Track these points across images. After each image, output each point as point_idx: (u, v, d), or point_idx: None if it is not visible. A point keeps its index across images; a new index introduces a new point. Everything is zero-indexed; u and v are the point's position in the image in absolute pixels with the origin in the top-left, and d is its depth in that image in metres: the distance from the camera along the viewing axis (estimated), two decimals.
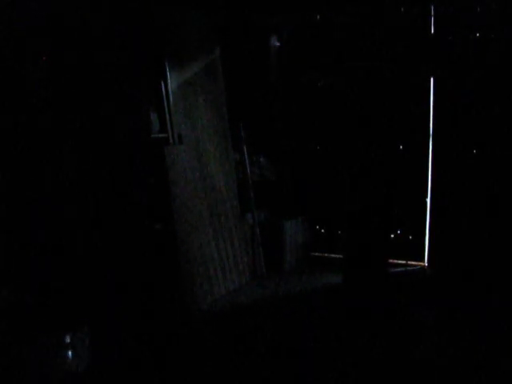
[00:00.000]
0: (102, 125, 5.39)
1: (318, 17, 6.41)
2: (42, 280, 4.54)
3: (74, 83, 5.19)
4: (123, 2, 5.42)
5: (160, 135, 5.65)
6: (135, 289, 5.26)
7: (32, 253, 4.58)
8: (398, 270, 6.59)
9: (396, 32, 5.10)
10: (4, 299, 4.15)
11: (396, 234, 6.88)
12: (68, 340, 4.09)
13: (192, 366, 4.54)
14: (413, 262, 6.77)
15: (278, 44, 5.38)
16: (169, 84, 5.71)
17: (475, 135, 6.30)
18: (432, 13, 6.19)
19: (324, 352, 4.65)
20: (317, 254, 7.54)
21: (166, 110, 5.67)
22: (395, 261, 6.64)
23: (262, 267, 6.98)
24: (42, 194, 4.78)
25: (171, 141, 5.73)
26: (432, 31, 6.17)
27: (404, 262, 6.69)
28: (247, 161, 6.94)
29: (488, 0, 5.92)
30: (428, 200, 6.63)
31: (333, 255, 7.27)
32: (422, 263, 6.80)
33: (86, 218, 5.12)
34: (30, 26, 4.74)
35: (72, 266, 4.79)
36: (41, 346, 4.02)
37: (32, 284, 4.45)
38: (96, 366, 4.33)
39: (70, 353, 4.14)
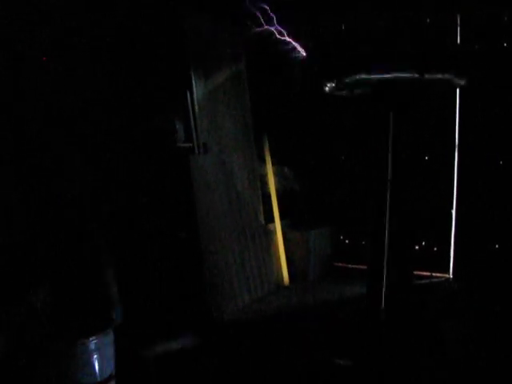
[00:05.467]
0: (128, 134, 5.44)
1: (343, 27, 6.43)
2: (64, 283, 4.57)
3: (99, 91, 5.25)
4: (150, 11, 5.48)
5: (185, 144, 5.68)
6: (159, 297, 5.28)
7: (55, 258, 4.62)
8: (423, 281, 6.53)
9: (422, 42, 5.08)
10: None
11: (420, 246, 6.82)
12: (93, 346, 4.09)
13: (214, 375, 4.54)
14: (437, 274, 6.70)
15: (303, 54, 5.39)
16: (194, 93, 5.74)
17: (501, 146, 6.24)
18: (458, 22, 6.17)
19: (345, 366, 4.61)
20: (341, 264, 7.50)
21: (192, 119, 5.70)
22: (420, 272, 6.58)
23: (285, 277, 6.96)
24: (60, 205, 4.83)
25: (196, 150, 5.76)
26: (458, 40, 6.15)
27: (429, 273, 6.63)
28: (271, 171, 6.94)
29: None
30: (453, 211, 6.57)
31: (357, 266, 7.22)
32: (446, 275, 6.73)
33: (111, 225, 5.16)
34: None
35: (92, 269, 4.82)
36: (60, 354, 4.01)
37: (53, 287, 4.48)
38: (119, 373, 4.33)
39: (95, 360, 4.13)
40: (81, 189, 4.96)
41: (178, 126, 5.66)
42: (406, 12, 6.10)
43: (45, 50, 4.84)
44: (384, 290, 5.22)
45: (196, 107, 5.78)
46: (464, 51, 5.46)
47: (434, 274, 6.65)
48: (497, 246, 6.37)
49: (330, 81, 5.04)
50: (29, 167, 4.71)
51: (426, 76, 4.72)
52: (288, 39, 5.73)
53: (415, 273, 5.93)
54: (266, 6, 5.50)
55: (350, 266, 7.42)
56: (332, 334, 5.23)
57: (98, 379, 4.11)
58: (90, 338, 4.08)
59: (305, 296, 6.50)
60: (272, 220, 6.95)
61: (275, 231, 6.96)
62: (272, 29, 5.98)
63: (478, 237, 6.45)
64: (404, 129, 4.99)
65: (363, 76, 4.82)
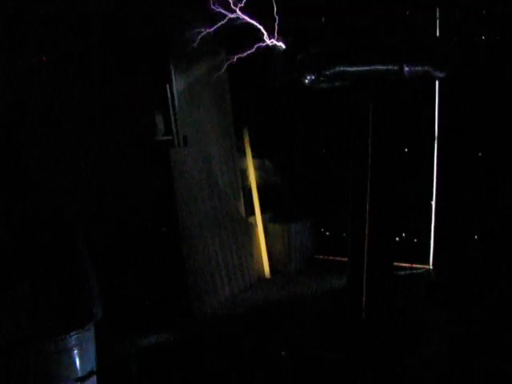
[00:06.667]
0: (106, 127, 5.40)
1: (324, 20, 6.42)
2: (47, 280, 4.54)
3: (75, 85, 5.19)
4: (131, 3, 5.43)
5: (165, 138, 5.65)
6: (140, 292, 5.26)
7: (35, 255, 4.58)
8: (403, 272, 6.57)
9: (401, 35, 5.10)
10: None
11: (400, 237, 6.86)
12: (73, 342, 4.07)
13: (195, 368, 4.55)
14: (417, 265, 6.75)
15: (283, 47, 5.37)
16: (174, 86, 5.72)
17: (480, 138, 6.29)
18: (437, 15, 6.19)
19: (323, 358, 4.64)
20: (321, 256, 7.52)
21: (171, 112, 5.68)
22: (400, 264, 6.61)
23: (267, 270, 6.97)
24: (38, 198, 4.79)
25: (176, 143, 5.74)
26: (437, 33, 6.17)
27: (409, 264, 6.67)
28: (252, 164, 6.93)
29: (494, 3, 5.91)
30: (433, 203, 6.62)
31: (337, 258, 7.24)
32: (426, 266, 6.77)
33: (91, 221, 5.12)
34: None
35: (72, 265, 4.78)
36: (40, 350, 3.98)
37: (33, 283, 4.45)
38: (100, 368, 4.31)
39: (75, 356, 4.10)
40: (59, 185, 4.92)
41: (157, 120, 5.63)
42: (386, 5, 6.10)
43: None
44: (364, 281, 5.25)
45: (176, 100, 5.75)
46: (443, 44, 5.48)
47: (414, 266, 6.69)
48: (476, 237, 6.43)
49: (310, 73, 5.03)
50: (10, 166, 4.66)
51: (405, 68, 4.74)
52: (268, 33, 5.73)
53: (395, 264, 5.98)
54: (247, 3, 5.48)
55: (330, 258, 7.45)
56: (313, 326, 5.26)
57: (79, 374, 4.08)
58: (71, 334, 4.06)
59: (286, 288, 6.52)
60: (253, 213, 6.96)
61: (256, 224, 6.96)
62: (253, 23, 5.97)
63: (458, 228, 6.50)
64: (384, 121, 5.01)
65: (343, 68, 4.83)
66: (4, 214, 4.58)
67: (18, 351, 3.94)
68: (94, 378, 4.12)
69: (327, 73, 4.88)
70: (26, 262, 4.47)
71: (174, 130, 5.74)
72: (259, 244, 6.97)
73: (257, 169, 7.02)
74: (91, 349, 4.25)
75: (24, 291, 4.10)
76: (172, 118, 5.72)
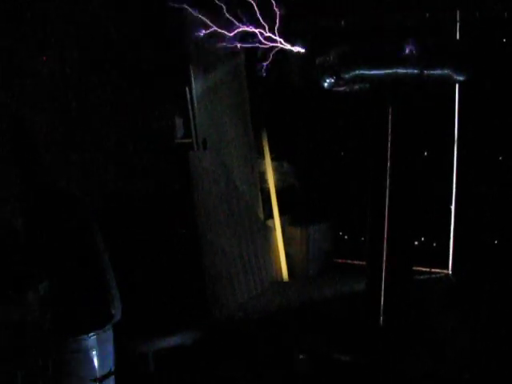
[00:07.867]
0: (127, 129, 5.43)
1: (343, 23, 6.41)
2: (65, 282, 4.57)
3: (95, 86, 5.23)
4: (151, 9, 5.47)
5: (184, 140, 5.67)
6: (158, 294, 5.27)
7: (55, 256, 4.62)
8: (422, 277, 6.53)
9: (422, 38, 5.08)
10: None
11: (420, 241, 6.81)
12: (92, 342, 4.09)
13: (212, 370, 4.55)
14: (437, 270, 6.70)
15: (302, 51, 5.37)
16: (193, 89, 5.74)
17: (501, 142, 6.24)
18: (458, 18, 6.16)
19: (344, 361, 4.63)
20: (340, 260, 7.49)
21: (191, 115, 5.70)
22: (419, 268, 6.56)
23: (285, 273, 6.96)
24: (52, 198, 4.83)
25: (195, 146, 5.76)
26: (457, 36, 6.14)
27: (428, 269, 6.62)
28: (271, 166, 6.93)
29: None
30: (452, 207, 6.57)
31: (356, 262, 7.21)
32: (445, 271, 6.72)
33: (111, 223, 5.15)
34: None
35: (92, 266, 4.82)
36: (60, 350, 4.01)
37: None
38: (118, 369, 4.33)
39: (94, 356, 4.13)
40: (80, 186, 4.95)
41: (177, 122, 5.66)
42: (407, 8, 6.08)
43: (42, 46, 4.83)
44: (383, 286, 5.22)
45: (195, 103, 5.77)
46: (463, 47, 5.45)
47: (433, 270, 6.65)
48: (496, 242, 6.37)
49: (329, 77, 5.03)
50: (29, 163, 4.70)
51: (425, 72, 4.72)
52: (287, 36, 5.74)
53: (414, 268, 5.94)
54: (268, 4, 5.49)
55: (348, 261, 7.41)
56: (331, 330, 5.24)
57: (97, 375, 4.11)
58: (90, 335, 4.08)
59: (304, 292, 6.50)
60: (271, 216, 6.95)
61: (274, 227, 6.95)
62: (271, 26, 5.98)
63: (478, 233, 6.44)
64: (403, 124, 4.99)
65: (362, 72, 4.82)
66: (24, 215, 4.63)
67: (38, 350, 3.98)
68: (112, 378, 4.15)
69: (346, 76, 4.88)
70: (47, 264, 4.52)
71: (193, 133, 5.76)
72: (277, 247, 6.96)
73: (275, 171, 7.01)
74: (110, 349, 4.27)
75: (44, 292, 4.13)
76: (191, 120, 5.74)
